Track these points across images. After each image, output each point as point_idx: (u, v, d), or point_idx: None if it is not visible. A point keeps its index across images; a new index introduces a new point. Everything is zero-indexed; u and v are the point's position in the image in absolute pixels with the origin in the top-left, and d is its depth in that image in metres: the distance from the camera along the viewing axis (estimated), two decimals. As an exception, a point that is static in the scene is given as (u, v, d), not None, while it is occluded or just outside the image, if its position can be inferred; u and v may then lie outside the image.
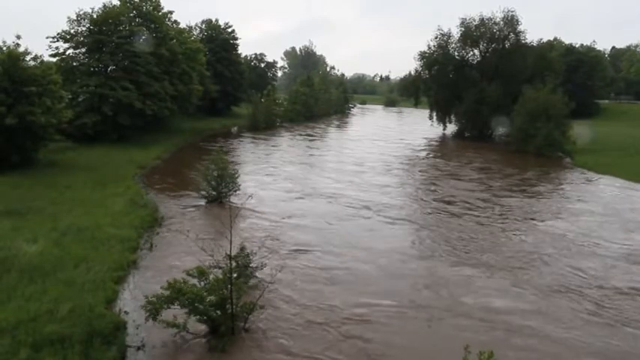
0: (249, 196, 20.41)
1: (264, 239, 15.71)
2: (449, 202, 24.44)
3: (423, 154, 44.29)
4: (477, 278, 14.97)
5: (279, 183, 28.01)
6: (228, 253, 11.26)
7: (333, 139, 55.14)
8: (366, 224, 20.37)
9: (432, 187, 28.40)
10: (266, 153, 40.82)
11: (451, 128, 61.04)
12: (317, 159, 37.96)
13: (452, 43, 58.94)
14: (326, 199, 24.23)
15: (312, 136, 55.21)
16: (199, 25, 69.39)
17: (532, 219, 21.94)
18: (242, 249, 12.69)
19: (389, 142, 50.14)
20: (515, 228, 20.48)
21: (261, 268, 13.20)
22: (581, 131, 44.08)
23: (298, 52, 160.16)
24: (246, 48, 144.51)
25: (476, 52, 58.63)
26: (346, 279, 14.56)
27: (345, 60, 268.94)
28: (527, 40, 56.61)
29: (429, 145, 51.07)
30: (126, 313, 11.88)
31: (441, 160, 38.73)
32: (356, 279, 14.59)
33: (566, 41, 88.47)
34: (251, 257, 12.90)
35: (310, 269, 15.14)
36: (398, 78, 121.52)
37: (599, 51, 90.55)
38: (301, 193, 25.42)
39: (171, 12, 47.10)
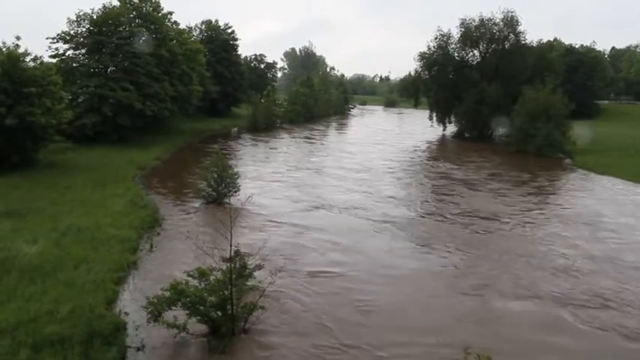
0: (249, 197, 20.45)
1: (277, 259, 14.60)
2: (476, 217, 22.05)
3: (429, 158, 43.12)
4: (545, 317, 12.62)
5: (285, 191, 26.28)
6: (229, 254, 11.24)
7: (336, 142, 54.32)
8: (392, 243, 18.23)
9: (451, 199, 25.72)
10: (268, 156, 40.25)
11: (451, 129, 61.03)
12: (321, 164, 36.41)
13: (452, 43, 59.01)
14: (340, 212, 22.23)
15: (313, 138, 54.96)
16: (199, 25, 69.48)
17: (574, 237, 19.42)
18: (237, 251, 12.45)
19: (391, 145, 49.25)
20: (562, 250, 17.74)
21: (259, 269, 13.03)
22: (581, 132, 44.07)
23: (298, 53, 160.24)
24: (246, 49, 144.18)
25: (476, 52, 58.71)
26: (380, 311, 12.68)
27: (344, 60, 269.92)
28: (527, 41, 56.76)
29: (431, 148, 50.85)
30: (126, 313, 11.87)
31: (449, 166, 36.92)
32: (392, 312, 12.69)
33: (566, 42, 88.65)
34: (247, 258, 12.75)
35: (335, 296, 13.37)
36: (398, 79, 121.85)
37: (599, 51, 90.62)
38: (312, 204, 23.48)
39: (171, 13, 47.17)
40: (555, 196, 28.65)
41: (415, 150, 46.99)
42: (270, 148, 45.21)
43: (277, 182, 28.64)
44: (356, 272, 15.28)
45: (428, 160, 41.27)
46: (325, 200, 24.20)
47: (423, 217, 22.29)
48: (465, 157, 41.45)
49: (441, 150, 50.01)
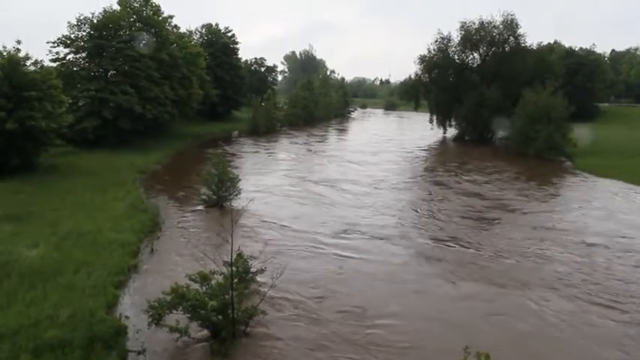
0: (251, 200, 20.47)
1: (323, 307, 12.95)
2: (536, 252, 17.93)
3: (440, 168, 38.31)
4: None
5: (302, 208, 23.62)
6: (229, 257, 11.22)
7: (340, 148, 51.17)
8: (461, 290, 14.49)
9: (495, 229, 21.40)
10: (273, 166, 37.70)
11: (451, 131, 60.98)
12: (331, 175, 32.57)
13: (452, 46, 59.15)
14: (383, 240, 18.86)
15: (316, 143, 54.27)
16: (199, 29, 69.64)
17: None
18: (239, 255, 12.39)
19: (396, 151, 46.79)
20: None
21: (261, 273, 12.98)
22: (581, 134, 43.96)
23: (298, 56, 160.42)
24: (246, 52, 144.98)
25: (476, 55, 58.84)
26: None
27: (345, 63, 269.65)
28: (527, 43, 56.92)
29: (437, 154, 50.00)
30: (127, 317, 11.85)
31: (466, 178, 32.77)
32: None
33: (566, 44, 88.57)
34: (250, 262, 12.74)
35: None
36: (398, 82, 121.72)
37: (599, 54, 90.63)
38: (338, 227, 20.31)
39: (171, 16, 47.40)
40: (593, 214, 24.17)
41: (423, 158, 45.69)
42: (274, 155, 44.45)
43: (291, 198, 25.88)
44: (429, 337, 11.80)
45: (440, 171, 36.53)
46: (352, 222, 20.95)
47: (479, 250, 18.06)
48: (475, 164, 38.77)
49: (446, 156, 47.91)
